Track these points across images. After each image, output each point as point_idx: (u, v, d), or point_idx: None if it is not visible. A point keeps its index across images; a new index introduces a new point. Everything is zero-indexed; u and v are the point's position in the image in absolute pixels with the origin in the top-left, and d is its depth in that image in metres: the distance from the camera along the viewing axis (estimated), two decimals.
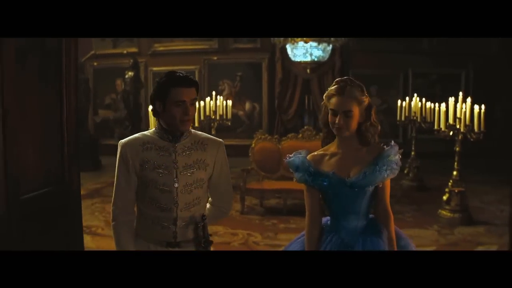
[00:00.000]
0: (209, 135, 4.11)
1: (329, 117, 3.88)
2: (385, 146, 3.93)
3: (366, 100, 3.88)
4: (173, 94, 3.70)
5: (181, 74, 3.77)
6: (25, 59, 4.07)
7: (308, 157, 4.02)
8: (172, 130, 3.86)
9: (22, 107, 4.02)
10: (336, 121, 3.82)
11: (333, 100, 3.84)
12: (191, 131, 3.97)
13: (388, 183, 3.94)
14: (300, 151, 4.06)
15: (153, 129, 4.00)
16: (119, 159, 3.87)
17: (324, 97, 3.94)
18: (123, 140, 3.92)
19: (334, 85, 3.88)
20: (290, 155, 4.05)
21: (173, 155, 3.87)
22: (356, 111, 3.82)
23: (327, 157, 3.98)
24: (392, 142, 3.96)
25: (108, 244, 4.50)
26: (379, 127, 3.97)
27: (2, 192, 3.89)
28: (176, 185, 3.82)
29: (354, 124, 3.84)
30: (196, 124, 10.58)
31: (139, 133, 4.02)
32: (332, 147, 4.01)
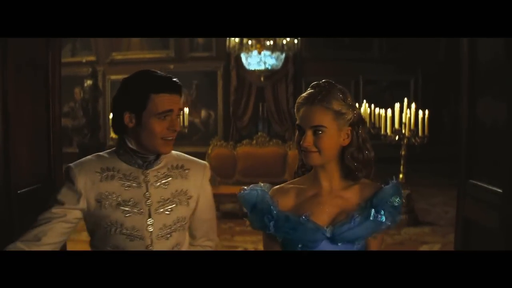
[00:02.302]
0: (190, 156, 3.07)
1: (296, 135, 2.70)
2: (383, 185, 2.75)
3: (350, 112, 2.64)
4: (154, 102, 2.72)
5: (162, 75, 2.85)
6: (20, 72, 4.24)
7: (271, 191, 2.75)
8: (144, 152, 2.84)
9: (18, 113, 4.23)
10: (301, 142, 2.61)
11: (301, 111, 2.65)
12: None
13: (381, 237, 2.75)
14: (261, 184, 2.80)
15: (113, 149, 2.95)
16: (63, 188, 2.82)
17: (295, 110, 2.72)
18: (73, 164, 2.85)
19: (307, 90, 2.70)
20: (244, 188, 2.77)
21: (144, 186, 2.83)
22: (332, 127, 2.60)
23: (299, 195, 2.72)
24: (394, 179, 2.77)
25: (72, 246, 4.63)
26: (372, 154, 2.73)
27: (4, 186, 4.07)
28: (150, 228, 2.80)
29: (328, 146, 2.60)
30: None
31: (93, 155, 2.94)
32: (308, 181, 2.75)
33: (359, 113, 2.71)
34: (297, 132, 2.68)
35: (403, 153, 10.03)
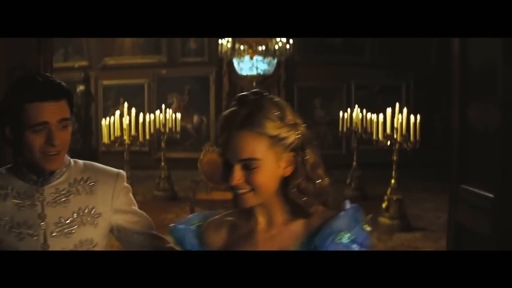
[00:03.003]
0: (100, 166, 2.62)
1: (221, 169, 2.04)
2: (342, 211, 2.06)
3: (291, 135, 1.98)
4: (27, 114, 2.30)
5: (40, 79, 2.38)
6: (11, 76, 4.22)
7: (206, 224, 2.20)
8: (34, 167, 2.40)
9: None
10: (230, 179, 1.96)
11: (224, 137, 1.98)
12: (69, 162, 2.53)
13: None
14: (202, 213, 2.31)
15: (10, 165, 2.55)
16: None
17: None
18: None
19: (230, 107, 2.03)
20: (176, 222, 2.26)
21: (40, 205, 2.42)
22: (268, 157, 1.94)
23: (232, 231, 2.16)
24: (347, 202, 2.10)
25: None
26: (327, 182, 2.08)
27: None
28: None
29: (265, 182, 1.97)
30: (147, 137, 10.71)
31: None
32: (243, 214, 2.14)
33: (304, 132, 2.02)
34: (222, 164, 2.02)
35: (395, 158, 9.98)
